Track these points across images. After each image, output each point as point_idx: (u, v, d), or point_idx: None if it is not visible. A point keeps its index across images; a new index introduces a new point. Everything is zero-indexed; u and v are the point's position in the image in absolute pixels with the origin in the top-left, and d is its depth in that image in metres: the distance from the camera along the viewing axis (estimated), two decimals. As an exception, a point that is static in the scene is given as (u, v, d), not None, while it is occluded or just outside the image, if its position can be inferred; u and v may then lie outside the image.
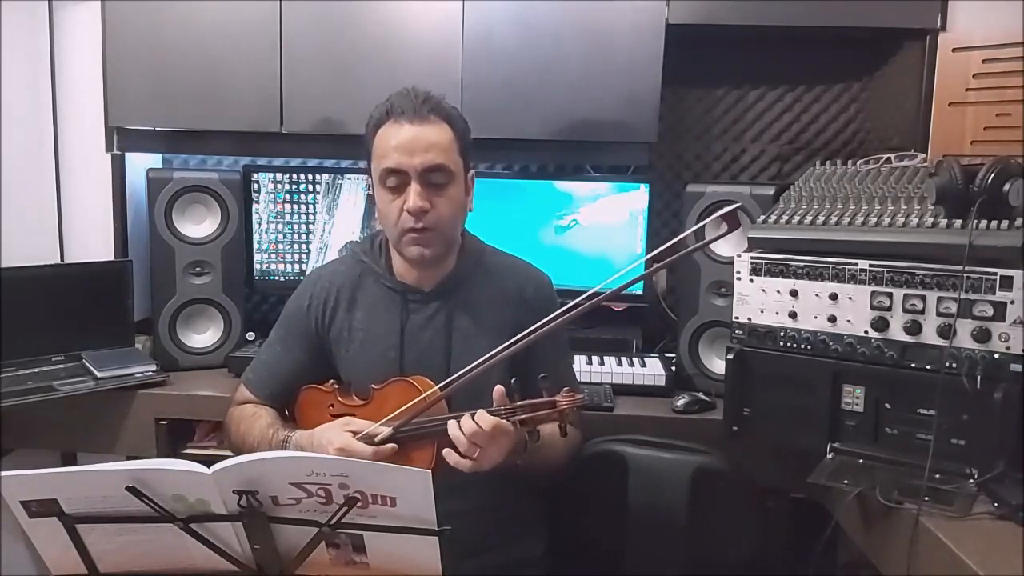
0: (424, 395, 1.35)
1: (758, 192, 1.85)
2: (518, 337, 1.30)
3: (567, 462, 1.51)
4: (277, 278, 2.22)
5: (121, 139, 2.12)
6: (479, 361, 1.31)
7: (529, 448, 1.34)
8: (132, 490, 1.03)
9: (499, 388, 1.29)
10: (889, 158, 1.66)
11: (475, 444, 1.26)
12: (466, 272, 1.51)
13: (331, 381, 1.52)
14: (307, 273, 2.12)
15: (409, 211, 1.38)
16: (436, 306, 1.49)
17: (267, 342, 1.61)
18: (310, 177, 2.19)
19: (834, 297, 1.44)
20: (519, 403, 1.29)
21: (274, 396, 1.56)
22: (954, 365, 1.32)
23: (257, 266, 2.21)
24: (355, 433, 1.34)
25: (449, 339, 1.48)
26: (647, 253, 2.07)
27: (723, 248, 1.88)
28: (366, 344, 1.50)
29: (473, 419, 1.26)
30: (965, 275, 1.31)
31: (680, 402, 1.81)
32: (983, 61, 1.87)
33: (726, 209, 1.26)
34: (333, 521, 1.07)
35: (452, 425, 1.28)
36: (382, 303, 1.51)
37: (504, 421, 1.27)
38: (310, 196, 2.19)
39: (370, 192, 1.51)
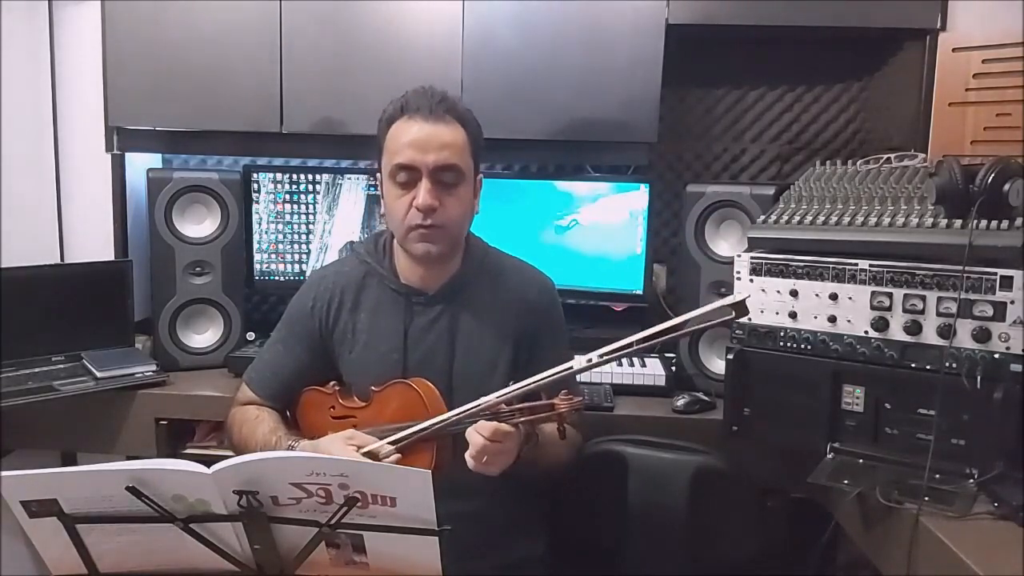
0: (432, 421, 1.33)
1: (758, 192, 1.85)
2: (528, 381, 1.30)
3: (567, 462, 1.51)
4: (277, 278, 2.22)
5: (121, 139, 2.12)
6: (486, 399, 1.30)
7: (530, 448, 1.35)
8: (132, 490, 1.03)
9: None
10: (889, 158, 1.66)
11: (483, 455, 1.27)
12: (470, 275, 1.51)
13: (332, 383, 1.52)
14: (309, 273, 2.13)
15: (419, 208, 1.38)
16: (440, 309, 1.49)
17: (269, 342, 1.60)
18: (310, 177, 2.19)
19: (834, 297, 1.44)
20: (517, 406, 1.30)
21: (276, 396, 1.56)
22: (954, 365, 1.32)
23: (257, 266, 2.20)
24: (359, 448, 1.34)
25: (453, 342, 1.48)
26: (646, 253, 2.06)
27: (723, 248, 1.89)
28: (369, 346, 1.50)
29: (475, 431, 1.27)
30: (965, 275, 1.31)
31: (680, 402, 1.81)
32: (983, 61, 1.87)
33: (734, 299, 1.25)
34: (333, 521, 1.07)
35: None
36: (386, 305, 1.51)
37: (504, 425, 1.27)
38: (310, 196, 2.19)
39: (371, 192, 1.51)
